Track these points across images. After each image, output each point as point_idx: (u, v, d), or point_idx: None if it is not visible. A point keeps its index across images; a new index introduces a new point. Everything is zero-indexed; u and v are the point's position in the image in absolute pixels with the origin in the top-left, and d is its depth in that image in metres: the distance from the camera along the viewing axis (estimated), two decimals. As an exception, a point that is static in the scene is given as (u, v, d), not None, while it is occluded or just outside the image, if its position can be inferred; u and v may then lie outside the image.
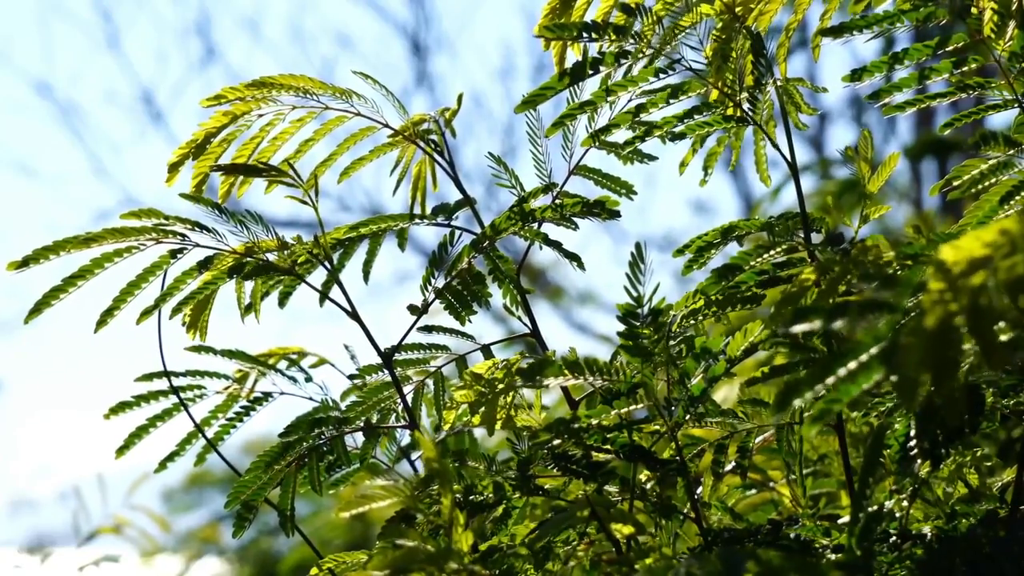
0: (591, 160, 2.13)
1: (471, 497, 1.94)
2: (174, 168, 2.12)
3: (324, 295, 2.11)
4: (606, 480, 1.90)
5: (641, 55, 1.91)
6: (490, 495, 1.93)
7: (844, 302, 1.30)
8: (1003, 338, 1.18)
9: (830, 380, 1.24)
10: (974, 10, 1.88)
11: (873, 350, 1.22)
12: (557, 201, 2.10)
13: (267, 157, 2.17)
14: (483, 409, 1.96)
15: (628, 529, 1.77)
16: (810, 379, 1.24)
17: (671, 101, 1.95)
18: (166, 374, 2.20)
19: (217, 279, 2.07)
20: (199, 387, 2.26)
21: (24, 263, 1.96)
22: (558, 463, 1.90)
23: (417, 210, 2.24)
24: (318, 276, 2.13)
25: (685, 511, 1.94)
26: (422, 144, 2.19)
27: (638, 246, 1.87)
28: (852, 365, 1.23)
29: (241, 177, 2.13)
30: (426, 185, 2.25)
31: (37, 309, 1.99)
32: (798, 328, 1.30)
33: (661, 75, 1.93)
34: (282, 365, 2.31)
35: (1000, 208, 1.93)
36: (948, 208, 6.82)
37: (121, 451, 2.22)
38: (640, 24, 1.89)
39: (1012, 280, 1.17)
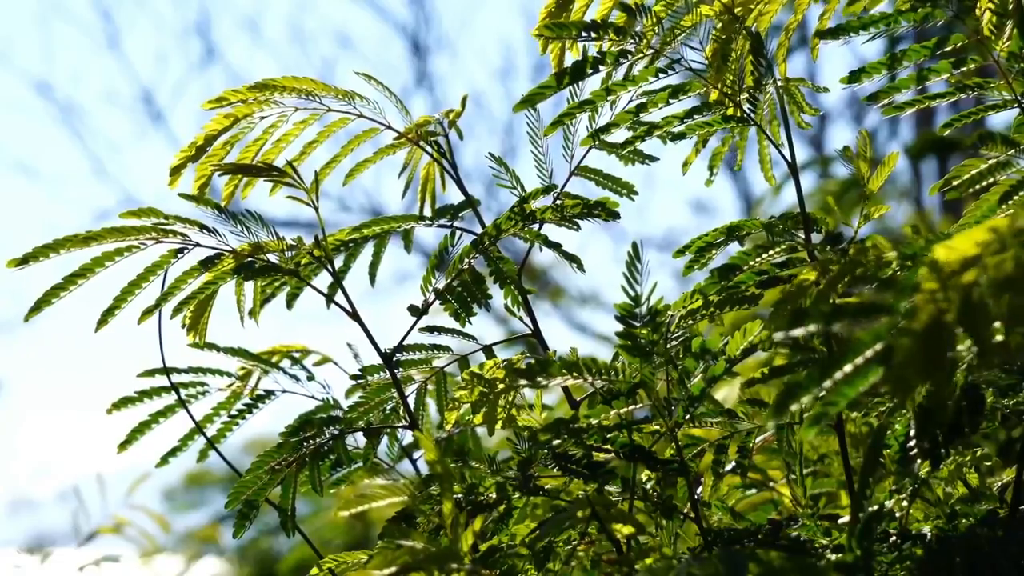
0: (592, 160, 2.14)
1: (472, 497, 1.94)
2: (176, 171, 2.12)
3: (330, 299, 2.12)
4: (606, 480, 1.91)
5: (641, 55, 1.91)
6: (491, 495, 1.93)
7: (841, 305, 1.30)
8: (999, 338, 1.19)
9: (827, 383, 1.24)
10: (976, 10, 1.88)
11: (870, 352, 1.22)
12: (558, 202, 2.11)
13: (271, 159, 2.17)
14: (484, 409, 1.96)
15: (628, 529, 1.77)
16: (808, 383, 1.25)
17: (671, 101, 1.95)
18: (166, 371, 2.20)
19: (218, 279, 2.07)
20: (201, 384, 2.26)
21: (24, 260, 1.97)
22: (559, 463, 1.90)
23: (427, 211, 2.24)
24: (321, 277, 2.14)
25: (685, 511, 1.94)
26: (426, 146, 2.20)
27: (634, 246, 1.87)
28: (848, 368, 1.23)
29: (244, 179, 2.14)
30: (435, 187, 2.25)
31: (37, 307, 1.99)
32: (796, 332, 1.30)
33: (661, 75, 1.93)
34: (285, 364, 2.32)
35: (999, 208, 1.94)
36: (948, 207, 6.82)
37: (123, 446, 2.22)
38: (640, 24, 1.89)
39: (1001, 277, 1.17)
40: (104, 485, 4.22)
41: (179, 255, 2.04)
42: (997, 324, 1.18)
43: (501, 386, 1.95)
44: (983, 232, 1.19)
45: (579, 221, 2.09)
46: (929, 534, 1.82)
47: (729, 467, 2.01)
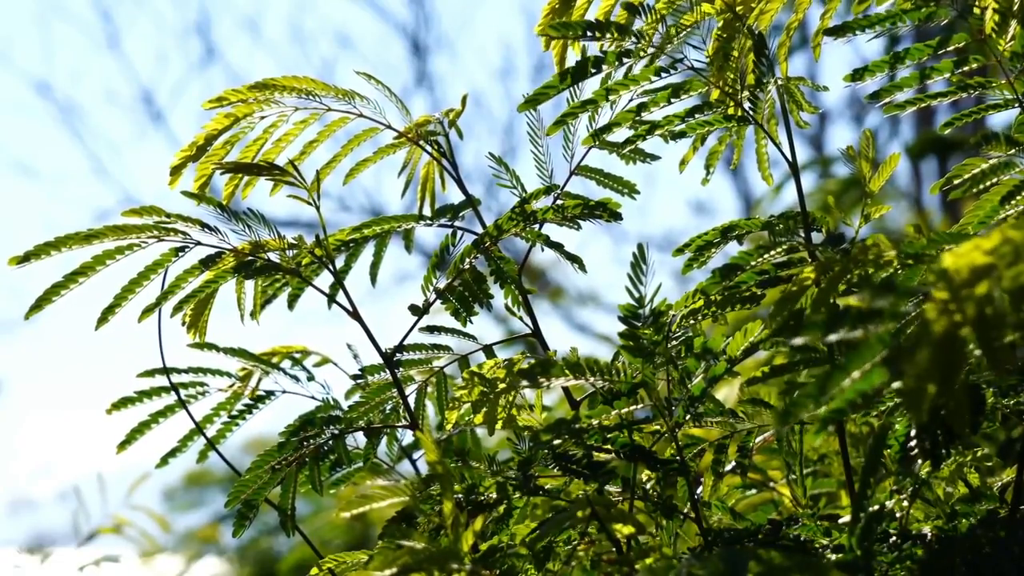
0: (592, 160, 2.13)
1: (472, 497, 1.94)
2: (176, 170, 2.12)
3: (332, 299, 2.11)
4: (607, 480, 1.90)
5: (643, 54, 1.91)
6: (492, 495, 1.93)
7: (840, 313, 1.30)
8: (1006, 340, 1.18)
9: (833, 391, 1.24)
10: (976, 9, 1.88)
11: (876, 358, 1.22)
12: (559, 202, 2.10)
13: (271, 159, 2.17)
14: (484, 409, 1.96)
15: (628, 529, 1.77)
16: (812, 393, 1.24)
17: (672, 100, 1.95)
18: (166, 371, 2.20)
19: (219, 278, 2.07)
20: (201, 384, 2.26)
21: (25, 258, 1.97)
22: (559, 463, 1.90)
23: (426, 211, 2.24)
24: (321, 277, 2.14)
25: (685, 511, 1.94)
26: (426, 146, 2.19)
27: (640, 248, 1.87)
28: (856, 375, 1.23)
29: (245, 178, 2.14)
30: (435, 187, 2.25)
31: (38, 305, 1.99)
32: (798, 341, 1.31)
33: (663, 74, 1.93)
34: (285, 364, 2.31)
35: (1000, 208, 1.93)
36: (948, 207, 6.82)
37: (123, 446, 2.22)
38: (642, 23, 1.89)
39: (1017, 288, 1.17)
40: (104, 485, 4.22)
41: (180, 254, 2.04)
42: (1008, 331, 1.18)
43: (501, 386, 1.95)
44: (994, 240, 1.18)
45: (580, 221, 2.08)
46: (929, 534, 1.82)
47: (729, 467, 2.01)
